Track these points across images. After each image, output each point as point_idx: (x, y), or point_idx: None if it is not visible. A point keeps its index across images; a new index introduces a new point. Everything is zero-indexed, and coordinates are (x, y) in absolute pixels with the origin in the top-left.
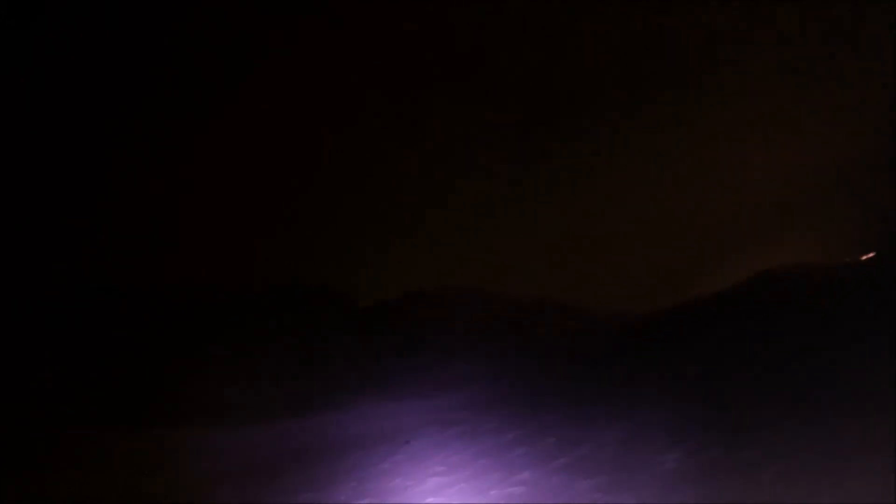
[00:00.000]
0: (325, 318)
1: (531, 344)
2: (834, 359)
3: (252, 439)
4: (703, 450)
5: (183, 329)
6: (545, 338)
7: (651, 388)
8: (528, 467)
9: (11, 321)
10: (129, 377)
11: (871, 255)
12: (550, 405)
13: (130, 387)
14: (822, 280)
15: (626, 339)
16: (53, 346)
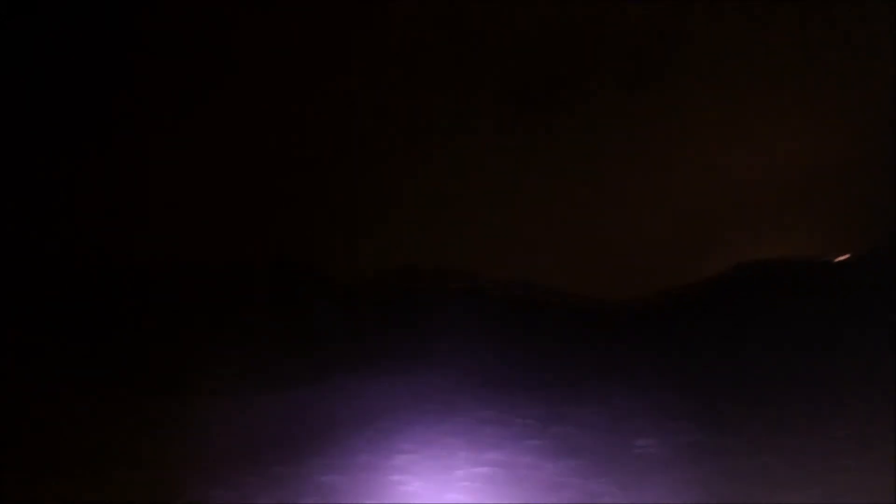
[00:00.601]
0: (310, 295)
1: (514, 328)
2: (812, 354)
3: (225, 413)
4: (679, 437)
5: (168, 307)
6: (528, 322)
7: (630, 375)
8: (498, 447)
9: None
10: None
11: (845, 256)
12: (527, 388)
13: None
14: (801, 277)
15: (609, 326)
16: (50, 323)
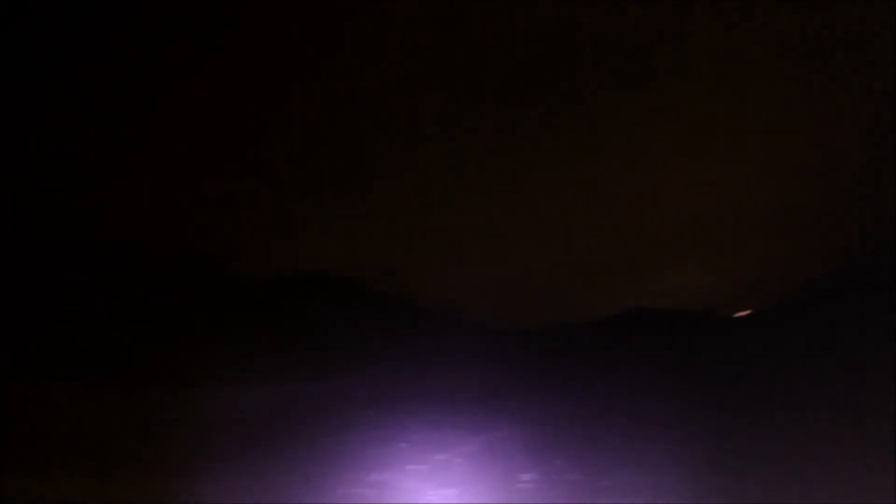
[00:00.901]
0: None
1: (404, 348)
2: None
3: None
4: (560, 473)
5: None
6: (419, 344)
7: (515, 405)
8: (381, 469)
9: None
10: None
11: (746, 312)
12: (413, 410)
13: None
14: (693, 326)
15: (501, 353)
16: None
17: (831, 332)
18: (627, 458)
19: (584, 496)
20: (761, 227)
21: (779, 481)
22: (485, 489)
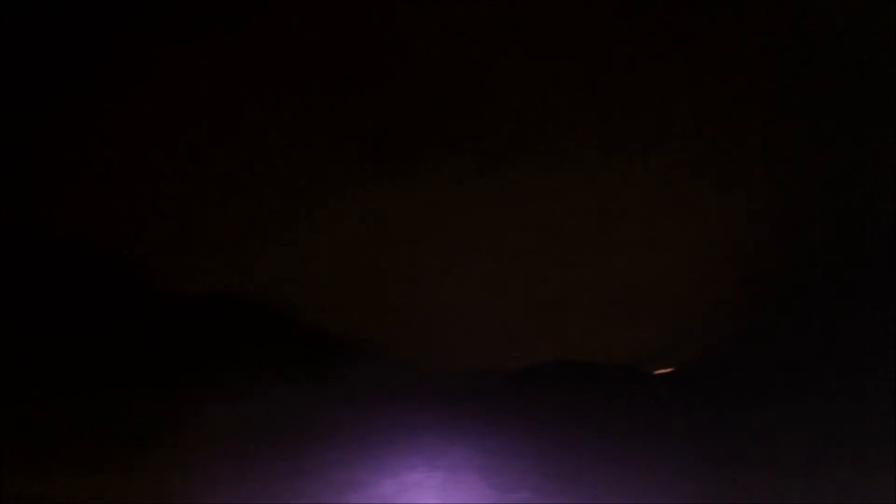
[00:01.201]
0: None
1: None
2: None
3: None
4: None
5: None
6: (339, 378)
7: (431, 447)
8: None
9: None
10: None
11: (668, 370)
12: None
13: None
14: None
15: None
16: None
17: (750, 389)
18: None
19: None
20: (676, 287)
21: None
22: None
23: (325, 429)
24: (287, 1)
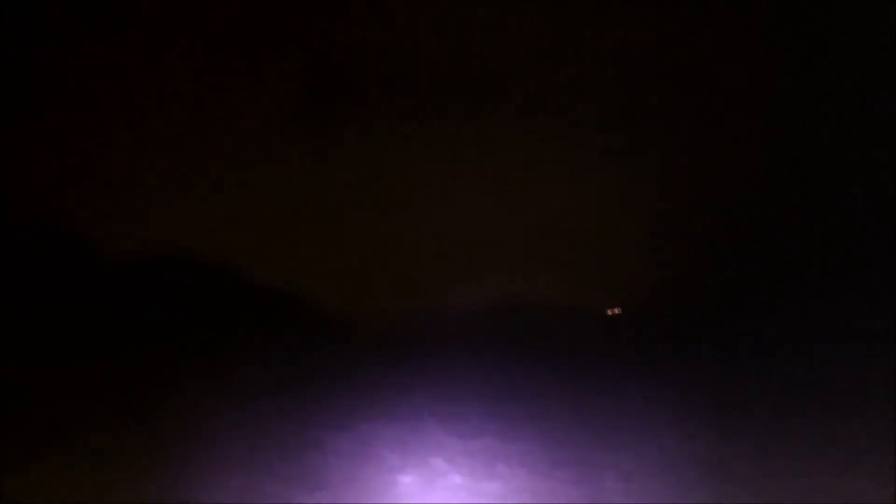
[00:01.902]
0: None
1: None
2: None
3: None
4: (440, 475)
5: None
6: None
7: (387, 398)
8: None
9: None
10: None
11: (616, 310)
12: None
13: None
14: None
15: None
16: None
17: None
18: (511, 458)
19: (466, 497)
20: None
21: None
22: (360, 490)
23: (275, 384)
24: None
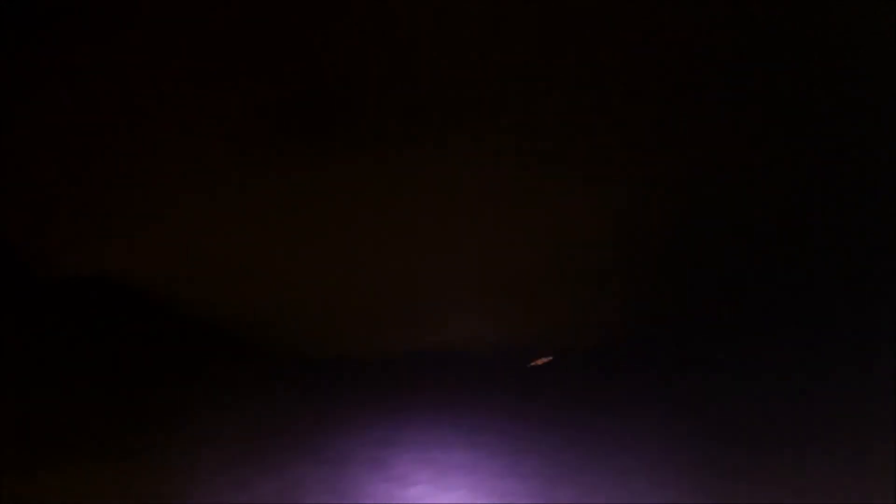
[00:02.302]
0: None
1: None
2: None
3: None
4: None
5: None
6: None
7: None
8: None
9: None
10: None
11: (547, 359)
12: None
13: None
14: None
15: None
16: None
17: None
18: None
19: None
20: (549, 282)
21: None
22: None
23: (204, 426)
24: None
